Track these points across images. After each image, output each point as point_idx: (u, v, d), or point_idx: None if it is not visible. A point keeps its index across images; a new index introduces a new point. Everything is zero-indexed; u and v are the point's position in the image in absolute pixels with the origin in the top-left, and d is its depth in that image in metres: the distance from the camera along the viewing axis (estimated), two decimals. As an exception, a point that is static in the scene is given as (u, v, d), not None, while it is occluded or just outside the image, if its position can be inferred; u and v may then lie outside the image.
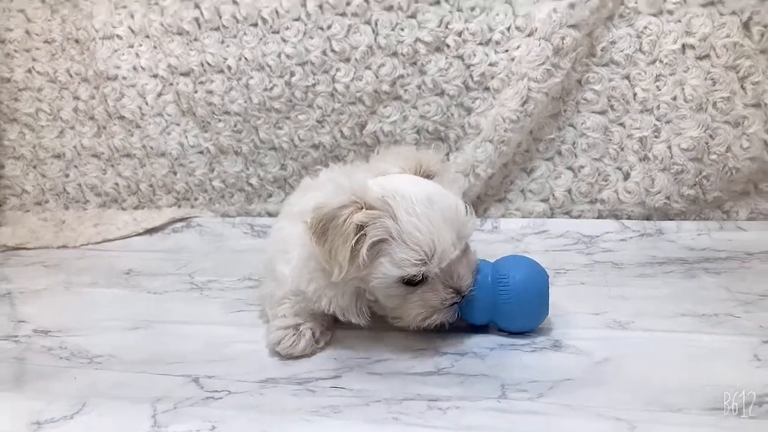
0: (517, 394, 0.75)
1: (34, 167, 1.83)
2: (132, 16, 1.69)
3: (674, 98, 1.40)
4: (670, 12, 1.39)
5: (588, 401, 0.72)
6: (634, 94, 1.44)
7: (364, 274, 0.83)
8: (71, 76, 1.79)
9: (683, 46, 1.38)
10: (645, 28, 1.40)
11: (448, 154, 1.56)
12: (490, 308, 0.89)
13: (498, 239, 1.48)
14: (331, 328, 0.95)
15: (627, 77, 1.44)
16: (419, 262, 0.81)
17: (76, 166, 1.83)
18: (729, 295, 1.04)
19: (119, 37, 1.70)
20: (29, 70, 1.79)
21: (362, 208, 0.81)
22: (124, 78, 1.71)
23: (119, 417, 0.76)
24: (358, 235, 0.80)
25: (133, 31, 1.70)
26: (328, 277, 0.84)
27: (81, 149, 1.81)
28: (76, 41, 1.76)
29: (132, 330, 1.04)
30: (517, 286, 0.87)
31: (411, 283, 0.83)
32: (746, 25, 1.33)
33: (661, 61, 1.40)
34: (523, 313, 0.90)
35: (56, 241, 1.70)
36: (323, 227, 0.81)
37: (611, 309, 1.01)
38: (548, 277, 0.92)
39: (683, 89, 1.39)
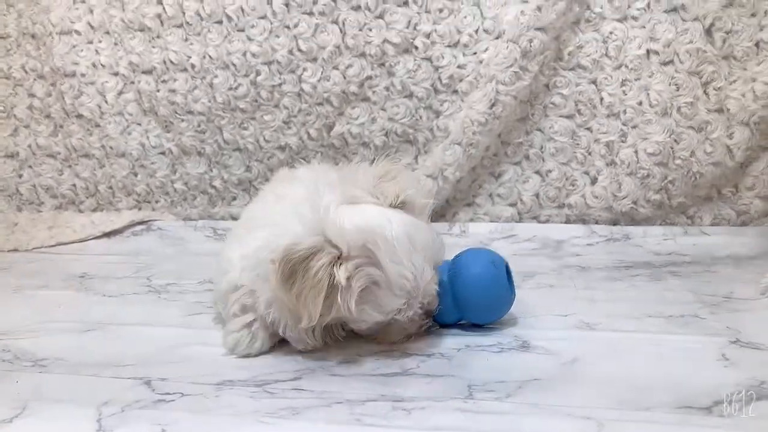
0: (484, 395, 0.72)
1: (-15, 167, 1.75)
2: (91, 12, 1.64)
3: (640, 103, 1.41)
4: (635, 18, 1.40)
5: (556, 401, 0.70)
6: (601, 99, 1.44)
7: (342, 316, 0.79)
8: (26, 72, 1.72)
9: (648, 51, 1.39)
10: (611, 33, 1.41)
11: (416, 157, 1.55)
12: (454, 307, 0.87)
13: (467, 243, 1.45)
14: None
15: (594, 82, 1.44)
16: (405, 306, 0.80)
17: (30, 166, 1.75)
18: (695, 297, 1.04)
19: (77, 32, 1.65)
20: (-18, 66, 1.72)
21: (339, 257, 0.76)
22: (83, 75, 1.65)
23: (62, 421, 0.71)
24: (330, 285, 0.75)
25: (92, 27, 1.65)
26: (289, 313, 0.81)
27: (36, 148, 1.74)
28: (32, 36, 1.70)
29: (82, 333, 0.99)
30: (473, 280, 0.86)
31: None
32: (708, 32, 1.34)
33: (626, 66, 1.41)
34: (488, 305, 0.89)
35: (6, 245, 1.62)
36: (291, 270, 0.75)
37: (579, 311, 1.00)
38: (505, 262, 0.91)
39: (648, 94, 1.40)
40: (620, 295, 1.08)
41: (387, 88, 1.51)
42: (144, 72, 1.62)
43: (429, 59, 1.48)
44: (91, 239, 1.65)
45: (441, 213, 1.54)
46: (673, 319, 0.95)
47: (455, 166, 1.47)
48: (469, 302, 0.87)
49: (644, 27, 1.39)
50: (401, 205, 0.85)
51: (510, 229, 1.48)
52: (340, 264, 0.76)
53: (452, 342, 0.89)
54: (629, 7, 1.40)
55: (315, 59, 1.52)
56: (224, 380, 0.79)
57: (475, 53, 1.46)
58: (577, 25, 1.43)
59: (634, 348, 0.84)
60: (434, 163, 1.49)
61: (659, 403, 0.70)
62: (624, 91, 1.42)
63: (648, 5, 1.38)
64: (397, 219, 0.82)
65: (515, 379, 0.76)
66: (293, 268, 0.75)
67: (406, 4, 1.47)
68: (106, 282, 1.31)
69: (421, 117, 1.52)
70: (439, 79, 1.49)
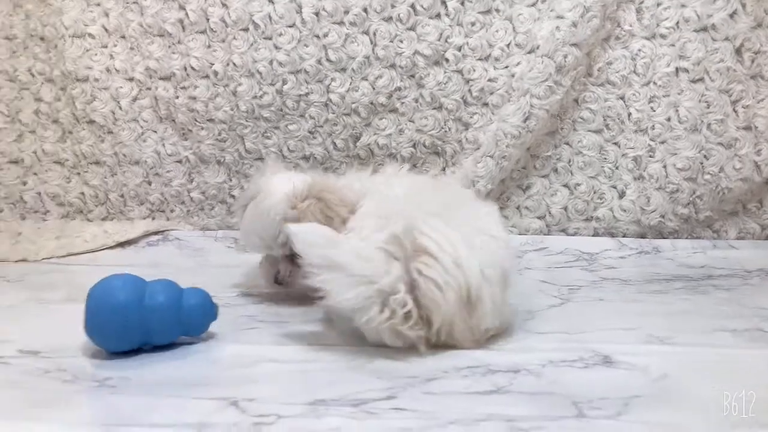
0: (594, 412, 0.71)
1: (-12, 173, 1.66)
2: (106, 15, 1.58)
3: (668, 119, 1.44)
4: (663, 36, 1.43)
5: (670, 419, 0.70)
6: (629, 114, 1.47)
7: None
8: (33, 75, 1.65)
9: (677, 69, 1.43)
10: (639, 50, 1.44)
11: (444, 169, 1.54)
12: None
13: (497, 255, 1.45)
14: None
15: (622, 97, 1.47)
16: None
17: (35, 173, 1.67)
18: (749, 310, 1.06)
19: (91, 36, 1.59)
20: (-14, 67, 1.63)
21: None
22: (96, 80, 1.59)
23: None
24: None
25: (107, 31, 1.59)
26: None
27: (42, 155, 1.67)
28: (41, 39, 1.63)
29: (134, 350, 0.94)
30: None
31: None
32: (738, 51, 1.38)
33: (655, 83, 1.44)
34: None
35: (13, 255, 1.54)
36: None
37: (641, 324, 1.01)
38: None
39: (677, 111, 1.43)
40: (674, 308, 1.09)
41: (416, 100, 1.51)
42: (162, 78, 1.58)
43: (460, 72, 1.48)
44: (103, 249, 1.58)
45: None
46: (739, 333, 0.96)
47: (487, 179, 1.47)
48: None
49: (673, 45, 1.42)
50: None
51: (540, 241, 1.49)
52: None
53: (531, 357, 0.88)
54: (658, 25, 1.43)
55: (344, 69, 1.50)
56: (316, 399, 0.76)
57: (506, 67, 1.47)
58: (607, 41, 1.45)
59: (719, 363, 0.85)
60: (465, 175, 1.48)
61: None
62: (652, 108, 1.45)
63: (677, 24, 1.42)
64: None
65: (617, 396, 0.75)
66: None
67: (438, 16, 1.47)
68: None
69: (450, 129, 1.51)
70: (470, 91, 1.49)
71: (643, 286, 1.23)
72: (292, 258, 1.01)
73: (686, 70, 1.42)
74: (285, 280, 1.12)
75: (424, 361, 0.87)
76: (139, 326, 0.89)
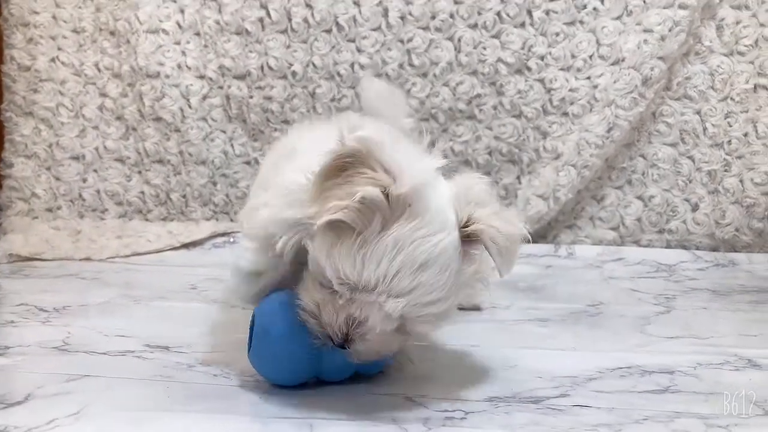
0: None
1: (48, 168, 1.61)
2: (182, 11, 1.56)
3: (745, 134, 1.47)
4: (742, 53, 1.47)
5: None
6: (704, 129, 1.49)
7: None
8: (99, 70, 1.61)
9: (755, 86, 1.46)
10: (718, 66, 1.47)
11: (518, 177, 1.54)
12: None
13: (576, 265, 1.46)
14: None
15: (698, 112, 1.49)
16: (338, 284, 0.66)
17: (95, 170, 1.63)
18: None
19: (165, 31, 1.56)
20: (53, 60, 1.59)
21: (384, 187, 0.64)
22: (167, 76, 1.56)
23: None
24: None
25: (180, 27, 1.57)
26: None
27: (103, 151, 1.63)
28: (111, 33, 1.60)
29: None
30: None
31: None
32: (818, 70, 1.42)
33: (732, 99, 1.47)
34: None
35: (77, 253, 1.49)
36: (346, 164, 0.65)
37: (764, 331, 1.02)
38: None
39: (756, 126, 1.46)
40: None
41: (495, 107, 1.51)
42: (236, 77, 1.56)
43: (541, 81, 1.50)
44: (167, 250, 1.54)
45: (542, 234, 1.54)
46: None
47: (568, 188, 1.48)
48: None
49: (752, 63, 1.46)
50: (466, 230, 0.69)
51: (616, 252, 1.50)
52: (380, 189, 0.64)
53: (677, 360, 0.88)
54: (737, 42, 1.46)
55: (425, 74, 1.50)
56: (491, 396, 0.75)
57: (588, 78, 1.48)
58: (687, 56, 1.48)
59: None
60: (545, 184, 1.49)
61: None
62: (729, 123, 1.48)
63: (756, 42, 1.45)
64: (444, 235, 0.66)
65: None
66: (349, 164, 0.65)
67: (522, 25, 1.48)
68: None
69: (528, 137, 1.52)
70: (550, 100, 1.50)
71: (737, 297, 1.24)
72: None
73: (765, 87, 1.45)
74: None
75: (570, 362, 0.87)
76: (309, 362, 0.74)
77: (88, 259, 1.48)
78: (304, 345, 0.70)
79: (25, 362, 0.85)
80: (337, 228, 0.66)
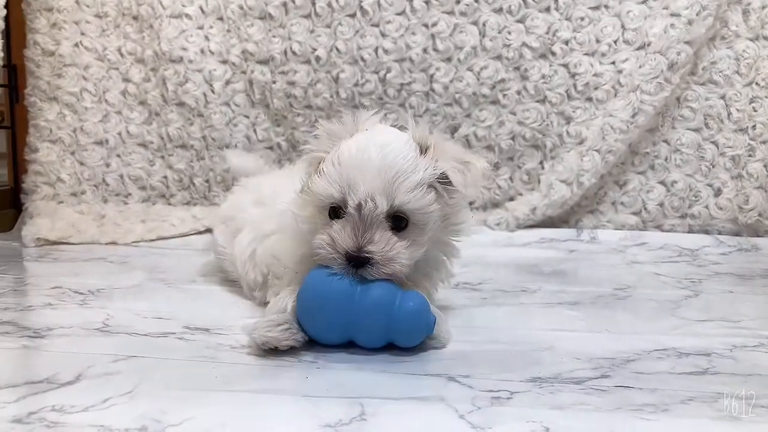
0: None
1: (72, 153, 1.62)
2: (205, -4, 1.56)
3: (770, 119, 1.47)
4: (767, 38, 1.46)
5: None
6: (729, 114, 1.49)
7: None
8: (122, 55, 1.62)
9: (781, 71, 1.45)
10: (743, 51, 1.46)
11: (541, 162, 1.55)
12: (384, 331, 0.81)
13: (600, 250, 1.47)
14: None
15: (723, 97, 1.49)
16: (338, 194, 0.82)
17: (118, 155, 1.64)
18: None
19: (188, 16, 1.56)
20: (77, 45, 1.60)
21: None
22: (191, 61, 1.57)
23: (418, 416, 0.66)
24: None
25: (203, 12, 1.57)
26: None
27: (126, 136, 1.64)
28: (134, 18, 1.60)
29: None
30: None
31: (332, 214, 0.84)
32: None
33: (758, 84, 1.47)
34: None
35: (103, 237, 1.50)
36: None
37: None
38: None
39: (781, 111, 1.46)
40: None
41: (519, 92, 1.51)
42: (260, 62, 1.56)
43: (566, 66, 1.49)
44: (192, 234, 1.55)
45: (564, 219, 1.55)
46: None
47: (592, 173, 1.48)
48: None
49: (778, 47, 1.45)
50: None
51: (639, 236, 1.50)
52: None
53: (711, 342, 0.89)
54: (762, 27, 1.45)
55: (449, 59, 1.50)
56: (534, 377, 0.76)
57: (613, 62, 1.48)
58: (713, 41, 1.47)
59: None
60: (569, 169, 1.49)
61: None
62: (754, 108, 1.47)
63: (782, 27, 1.44)
64: (380, 140, 0.83)
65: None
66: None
67: (547, 10, 1.48)
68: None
69: (552, 122, 1.52)
70: (574, 86, 1.50)
71: (761, 281, 1.25)
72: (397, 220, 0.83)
73: (791, 72, 1.45)
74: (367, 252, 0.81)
75: (606, 344, 0.87)
76: (346, 321, 0.81)
77: (113, 243, 1.49)
78: (339, 304, 0.80)
79: (68, 344, 0.86)
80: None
